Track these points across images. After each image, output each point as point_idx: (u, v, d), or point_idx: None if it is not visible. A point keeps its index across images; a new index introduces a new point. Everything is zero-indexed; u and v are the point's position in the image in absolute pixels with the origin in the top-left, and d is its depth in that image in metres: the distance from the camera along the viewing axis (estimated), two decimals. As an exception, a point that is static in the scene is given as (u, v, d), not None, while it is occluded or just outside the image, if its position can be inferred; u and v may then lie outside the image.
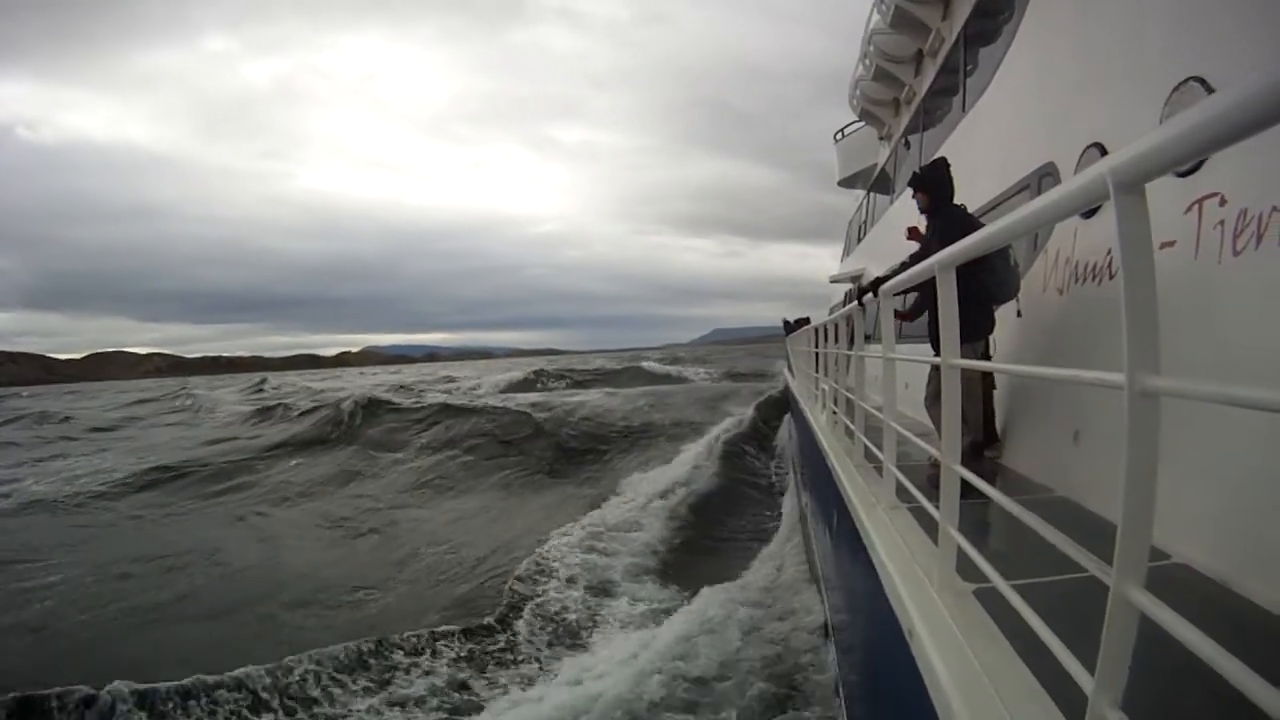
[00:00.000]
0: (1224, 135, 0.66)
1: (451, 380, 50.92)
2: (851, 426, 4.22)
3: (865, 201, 13.69)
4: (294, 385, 58.66)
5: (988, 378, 4.12)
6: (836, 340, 5.91)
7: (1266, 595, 1.90)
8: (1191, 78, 2.56)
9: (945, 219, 3.96)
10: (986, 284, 3.77)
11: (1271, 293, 2.11)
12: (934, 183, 3.96)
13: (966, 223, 3.90)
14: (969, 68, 6.34)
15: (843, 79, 12.11)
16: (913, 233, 4.59)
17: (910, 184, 4.23)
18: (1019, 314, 4.20)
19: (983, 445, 4.16)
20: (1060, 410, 3.47)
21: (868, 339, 4.26)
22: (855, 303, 4.08)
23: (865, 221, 13.37)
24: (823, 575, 6.05)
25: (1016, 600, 1.30)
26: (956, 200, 4.24)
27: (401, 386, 42.17)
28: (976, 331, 3.83)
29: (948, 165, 4.03)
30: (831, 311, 15.65)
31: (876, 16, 9.22)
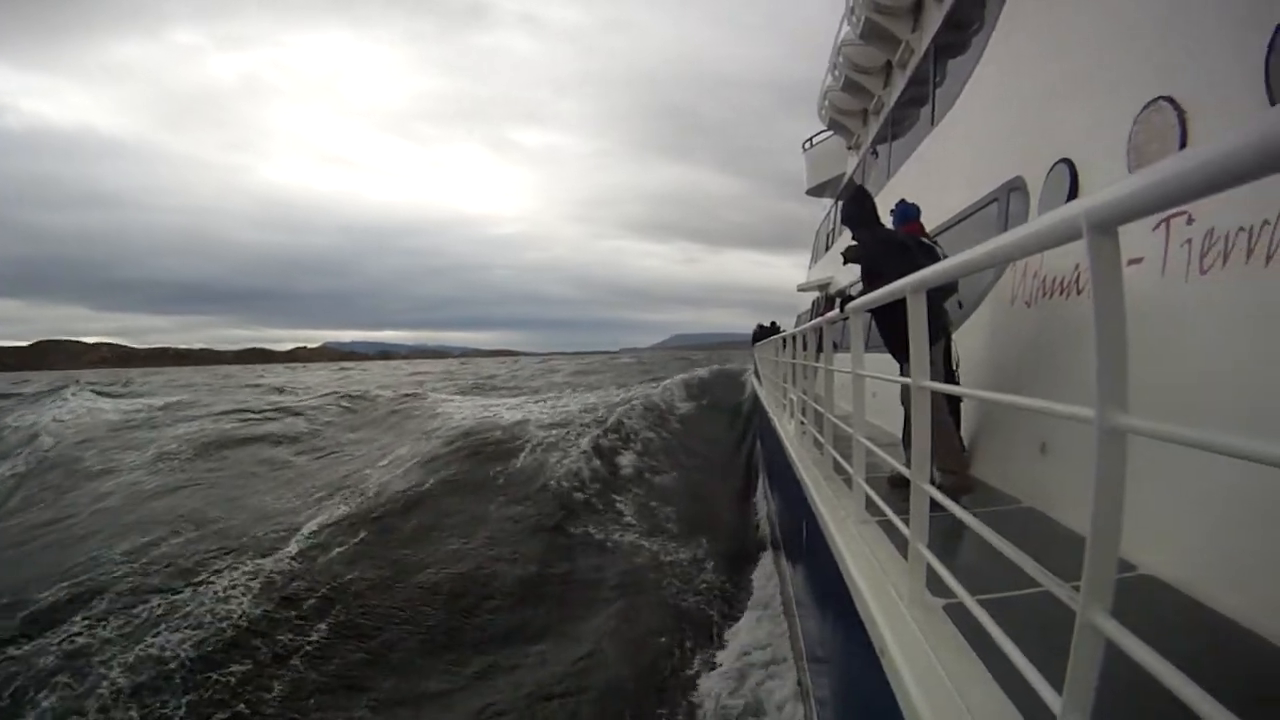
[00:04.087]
0: (1202, 186, 0.68)
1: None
2: (820, 439, 4.19)
3: (833, 210, 13.88)
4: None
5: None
6: (805, 349, 5.91)
7: (1230, 605, 1.95)
8: (1161, 97, 2.59)
9: (867, 235, 4.04)
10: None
11: (1236, 313, 2.14)
12: (858, 219, 4.06)
13: (888, 239, 3.99)
14: (938, 79, 6.43)
15: (808, 89, 12.25)
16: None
17: (843, 221, 4.32)
18: (959, 305, 4.37)
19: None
20: (1027, 423, 3.50)
21: (836, 348, 4.27)
22: (827, 314, 4.10)
23: (833, 230, 13.55)
24: (792, 589, 6.03)
25: (985, 619, 1.34)
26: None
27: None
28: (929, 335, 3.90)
29: (866, 196, 4.11)
30: (799, 320, 15.85)
31: (847, 28, 9.32)
